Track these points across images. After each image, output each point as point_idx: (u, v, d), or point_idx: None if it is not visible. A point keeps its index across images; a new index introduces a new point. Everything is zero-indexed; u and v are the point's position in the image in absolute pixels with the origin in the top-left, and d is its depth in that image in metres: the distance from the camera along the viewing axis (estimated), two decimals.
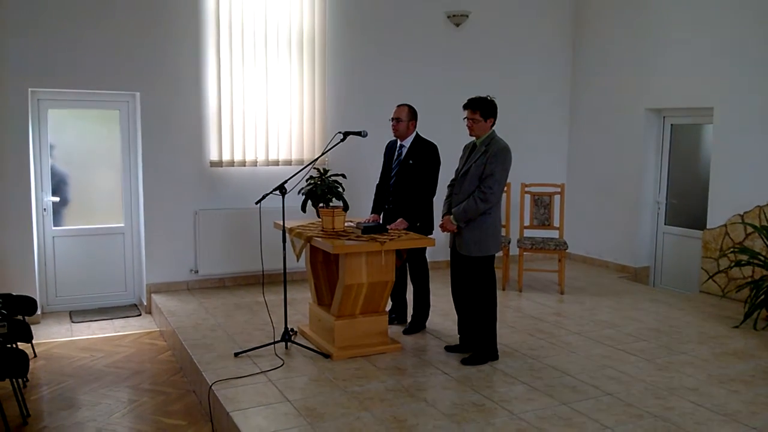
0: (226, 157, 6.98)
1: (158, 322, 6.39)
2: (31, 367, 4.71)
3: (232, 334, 5.49)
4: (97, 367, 5.30)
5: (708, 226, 6.99)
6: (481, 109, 4.71)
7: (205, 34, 6.77)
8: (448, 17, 7.78)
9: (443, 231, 4.93)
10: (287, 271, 5.20)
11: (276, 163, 7.16)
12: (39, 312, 6.30)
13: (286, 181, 4.99)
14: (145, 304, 6.86)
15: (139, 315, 6.74)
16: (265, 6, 6.95)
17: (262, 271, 6.20)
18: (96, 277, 6.89)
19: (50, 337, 6.04)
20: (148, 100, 6.64)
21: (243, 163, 7.05)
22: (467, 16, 7.77)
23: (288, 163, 7.19)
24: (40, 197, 6.58)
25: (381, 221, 5.51)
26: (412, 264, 5.52)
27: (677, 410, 4.03)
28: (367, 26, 7.49)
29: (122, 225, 6.98)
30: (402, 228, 5.26)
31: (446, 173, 5.41)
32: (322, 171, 5.29)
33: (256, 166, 7.10)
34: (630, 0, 7.80)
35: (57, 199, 6.69)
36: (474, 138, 4.86)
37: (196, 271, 6.99)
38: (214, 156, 6.95)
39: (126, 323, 6.48)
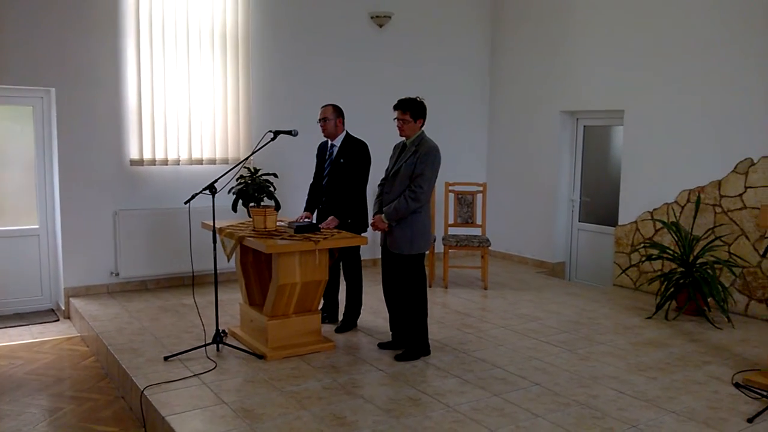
0: (147, 156, 6.79)
1: (79, 327, 6.16)
2: None
3: (160, 337, 5.36)
4: (18, 375, 5.06)
5: (620, 223, 7.37)
6: (412, 110, 4.81)
7: (125, 28, 6.56)
8: (372, 18, 7.86)
9: (374, 230, 5.00)
10: (211, 272, 5.13)
11: (199, 161, 7.03)
12: None
13: (216, 180, 4.93)
14: (63, 308, 6.58)
15: (57, 320, 6.47)
16: (187, 1, 6.81)
17: (192, 272, 6.08)
18: (10, 281, 6.55)
19: None
20: (64, 96, 6.37)
21: (165, 162, 6.88)
22: (390, 17, 7.87)
23: (212, 162, 7.07)
24: None
25: (314, 220, 5.53)
26: (346, 262, 5.56)
27: (601, 398, 4.26)
28: (291, 25, 7.46)
29: (37, 226, 6.67)
30: (333, 226, 5.30)
31: (375, 172, 5.49)
32: (253, 170, 5.24)
33: (178, 165, 6.94)
34: (546, 6, 8.12)
35: None
36: (404, 138, 4.95)
37: (117, 274, 6.77)
38: (134, 154, 6.75)
39: (44, 329, 6.21)
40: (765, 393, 4.24)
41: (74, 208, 6.51)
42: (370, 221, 5.16)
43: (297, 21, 7.49)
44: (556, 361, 4.92)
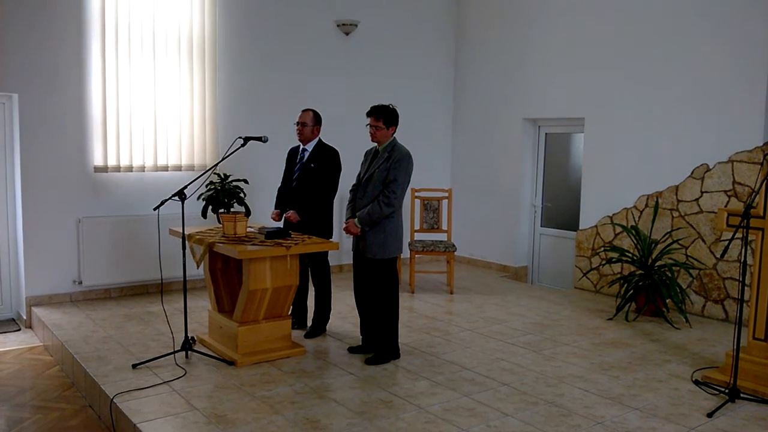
0: (111, 162, 6.71)
1: (42, 336, 6.05)
2: None
3: (127, 345, 5.31)
4: None
5: (580, 227, 7.56)
6: (385, 117, 4.88)
7: (90, 33, 6.49)
8: (338, 26, 7.92)
9: (347, 234, 5.04)
10: (177, 279, 5.10)
11: (165, 168, 6.98)
12: None
13: (185, 187, 4.91)
14: (24, 318, 6.45)
15: (19, 330, 6.34)
16: (153, 7, 6.77)
17: (161, 279, 6.03)
18: None
19: None
20: (26, 101, 6.26)
21: (130, 169, 6.81)
22: (356, 25, 7.94)
23: (178, 168, 7.03)
24: None
25: (282, 223, 5.57)
26: (315, 267, 5.60)
27: (567, 396, 4.38)
28: (258, 32, 7.47)
29: None
30: (295, 219, 5.43)
31: (343, 179, 5.54)
32: (223, 176, 5.24)
33: (143, 171, 6.88)
34: (508, 16, 8.29)
35: None
36: (376, 144, 5.02)
37: (80, 282, 6.67)
38: (98, 161, 6.67)
39: (5, 339, 6.08)
40: (723, 389, 4.41)
41: (36, 216, 6.40)
42: (340, 227, 5.21)
43: (264, 27, 7.51)
44: (522, 362, 5.04)
